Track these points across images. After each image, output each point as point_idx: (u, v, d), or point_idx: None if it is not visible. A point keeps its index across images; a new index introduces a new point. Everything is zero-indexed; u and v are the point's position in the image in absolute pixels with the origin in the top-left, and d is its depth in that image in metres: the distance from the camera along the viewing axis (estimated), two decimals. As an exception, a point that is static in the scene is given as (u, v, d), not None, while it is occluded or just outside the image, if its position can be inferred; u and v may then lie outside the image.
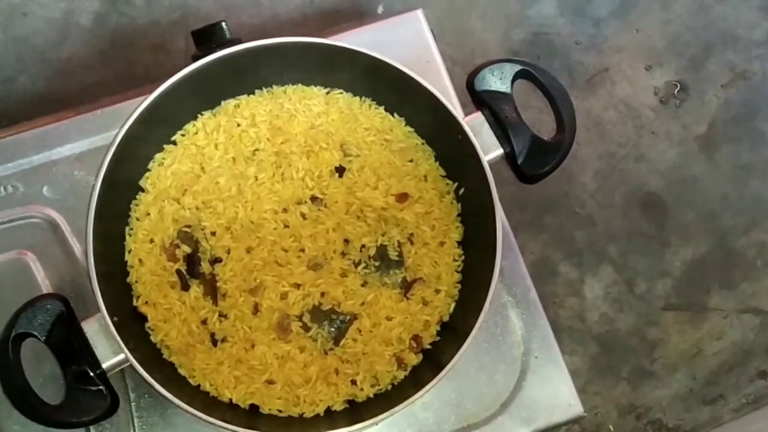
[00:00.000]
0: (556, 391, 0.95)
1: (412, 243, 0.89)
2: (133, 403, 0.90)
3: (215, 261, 0.86)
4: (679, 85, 1.54)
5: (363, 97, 0.92)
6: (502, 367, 0.95)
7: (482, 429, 0.93)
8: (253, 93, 0.92)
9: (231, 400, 0.84)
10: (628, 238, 1.48)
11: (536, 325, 0.96)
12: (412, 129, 0.92)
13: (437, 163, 0.92)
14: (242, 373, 0.85)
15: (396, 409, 0.78)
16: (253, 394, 0.84)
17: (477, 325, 0.79)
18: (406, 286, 0.88)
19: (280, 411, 0.84)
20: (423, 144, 0.92)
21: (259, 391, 0.84)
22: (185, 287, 0.86)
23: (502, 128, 0.86)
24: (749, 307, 1.48)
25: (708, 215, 1.50)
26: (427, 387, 0.78)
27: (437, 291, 0.89)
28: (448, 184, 0.91)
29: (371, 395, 0.85)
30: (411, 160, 0.92)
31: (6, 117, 1.25)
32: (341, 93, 0.92)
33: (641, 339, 1.45)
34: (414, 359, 0.87)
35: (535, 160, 0.86)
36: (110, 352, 0.76)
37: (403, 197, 0.89)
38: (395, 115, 0.92)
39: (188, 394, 0.81)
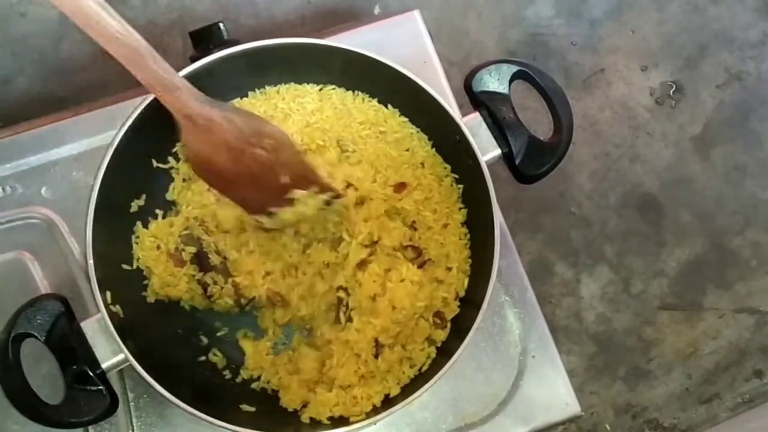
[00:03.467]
0: (554, 390, 0.95)
1: (415, 229, 0.89)
2: (131, 403, 0.89)
3: (225, 258, 0.87)
4: (674, 86, 1.55)
5: (355, 91, 0.92)
6: (499, 367, 0.95)
7: (480, 428, 0.93)
8: (246, 96, 0.92)
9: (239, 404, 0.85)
10: (624, 238, 1.48)
11: (533, 324, 0.97)
12: (406, 119, 0.92)
13: (434, 149, 0.91)
14: None
15: (397, 406, 0.78)
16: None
17: (479, 319, 0.80)
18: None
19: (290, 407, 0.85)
20: (418, 132, 0.91)
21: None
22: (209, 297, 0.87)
23: (499, 129, 0.86)
24: (744, 306, 1.49)
25: (703, 215, 1.51)
26: (434, 378, 0.79)
27: (449, 269, 0.88)
28: (446, 167, 0.91)
29: (411, 376, 0.85)
30: (407, 150, 0.91)
31: (4, 118, 1.25)
32: (333, 89, 0.92)
33: (637, 338, 1.46)
34: (442, 334, 0.87)
35: (532, 161, 0.86)
36: (110, 352, 0.76)
37: (400, 187, 0.89)
38: (389, 106, 0.92)
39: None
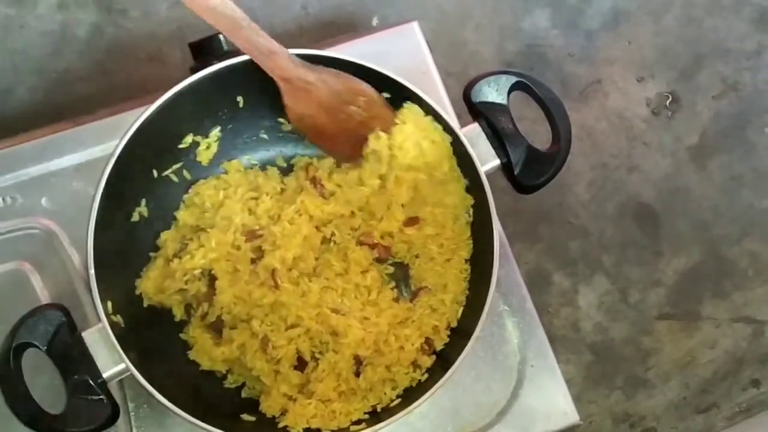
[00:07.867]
0: (552, 399, 0.95)
1: (417, 257, 0.89)
2: (132, 413, 0.89)
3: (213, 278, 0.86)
4: (670, 97, 1.56)
5: None
6: (498, 376, 0.95)
7: (479, 437, 0.93)
8: None
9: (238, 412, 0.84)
10: (621, 247, 1.49)
11: (532, 334, 0.97)
12: None
13: None
14: None
15: (394, 418, 0.79)
16: None
17: (474, 335, 0.80)
18: (412, 295, 0.89)
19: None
20: None
21: None
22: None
23: (498, 139, 0.86)
24: (741, 315, 1.50)
25: (700, 225, 1.52)
26: (426, 395, 0.79)
27: (443, 299, 0.88)
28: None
29: (393, 397, 0.85)
30: None
31: (4, 128, 1.25)
32: None
33: (635, 348, 1.46)
34: (428, 361, 0.86)
35: (531, 171, 0.86)
36: (111, 361, 0.76)
37: (412, 221, 0.88)
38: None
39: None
